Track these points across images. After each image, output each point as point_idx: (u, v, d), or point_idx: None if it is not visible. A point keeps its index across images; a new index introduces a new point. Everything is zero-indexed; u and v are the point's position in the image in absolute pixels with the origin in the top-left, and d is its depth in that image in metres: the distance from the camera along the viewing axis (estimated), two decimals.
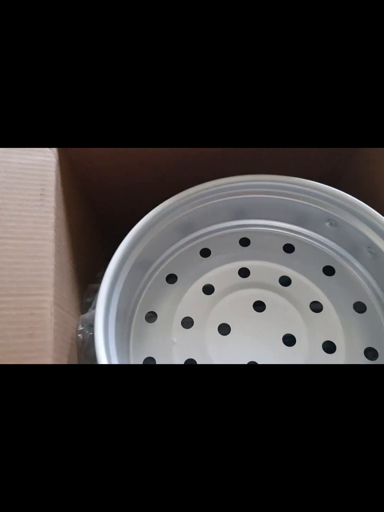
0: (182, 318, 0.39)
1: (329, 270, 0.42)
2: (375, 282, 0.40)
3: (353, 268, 0.42)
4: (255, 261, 0.43)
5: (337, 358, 0.37)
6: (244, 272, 0.42)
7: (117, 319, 0.35)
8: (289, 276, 0.42)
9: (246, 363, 0.37)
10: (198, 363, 0.37)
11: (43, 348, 0.29)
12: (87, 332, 0.36)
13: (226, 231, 0.44)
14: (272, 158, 0.46)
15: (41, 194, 0.34)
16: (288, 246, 0.43)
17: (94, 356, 0.31)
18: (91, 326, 0.36)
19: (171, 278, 0.42)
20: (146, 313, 0.40)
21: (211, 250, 0.43)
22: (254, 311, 0.40)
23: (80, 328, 0.36)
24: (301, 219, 0.43)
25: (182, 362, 0.37)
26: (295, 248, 0.43)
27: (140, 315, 0.40)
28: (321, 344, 0.38)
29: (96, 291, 0.36)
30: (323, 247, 0.43)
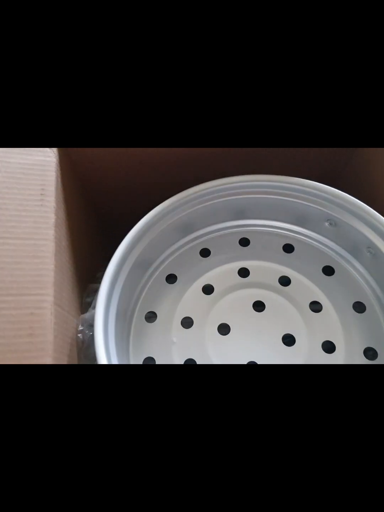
0: (182, 318, 0.39)
1: (328, 270, 0.42)
2: (374, 282, 0.40)
3: (353, 268, 0.42)
4: (254, 261, 0.43)
5: (336, 358, 0.37)
6: (243, 272, 0.42)
7: (117, 319, 0.35)
8: (289, 276, 0.42)
9: (245, 363, 0.37)
10: (197, 363, 0.37)
11: (43, 347, 0.29)
12: (87, 332, 0.36)
13: (226, 231, 0.44)
14: (272, 158, 0.46)
15: (41, 194, 0.34)
16: (287, 246, 0.44)
17: (94, 356, 0.31)
18: (91, 326, 0.36)
19: (171, 278, 0.42)
20: (146, 313, 0.40)
21: (211, 250, 0.43)
22: (254, 311, 0.40)
23: (80, 328, 0.37)
24: (300, 219, 0.43)
25: (182, 362, 0.37)
26: (295, 248, 0.43)
27: (140, 315, 0.40)
28: (320, 344, 0.38)
29: (96, 291, 0.36)
30: (322, 247, 0.43)
